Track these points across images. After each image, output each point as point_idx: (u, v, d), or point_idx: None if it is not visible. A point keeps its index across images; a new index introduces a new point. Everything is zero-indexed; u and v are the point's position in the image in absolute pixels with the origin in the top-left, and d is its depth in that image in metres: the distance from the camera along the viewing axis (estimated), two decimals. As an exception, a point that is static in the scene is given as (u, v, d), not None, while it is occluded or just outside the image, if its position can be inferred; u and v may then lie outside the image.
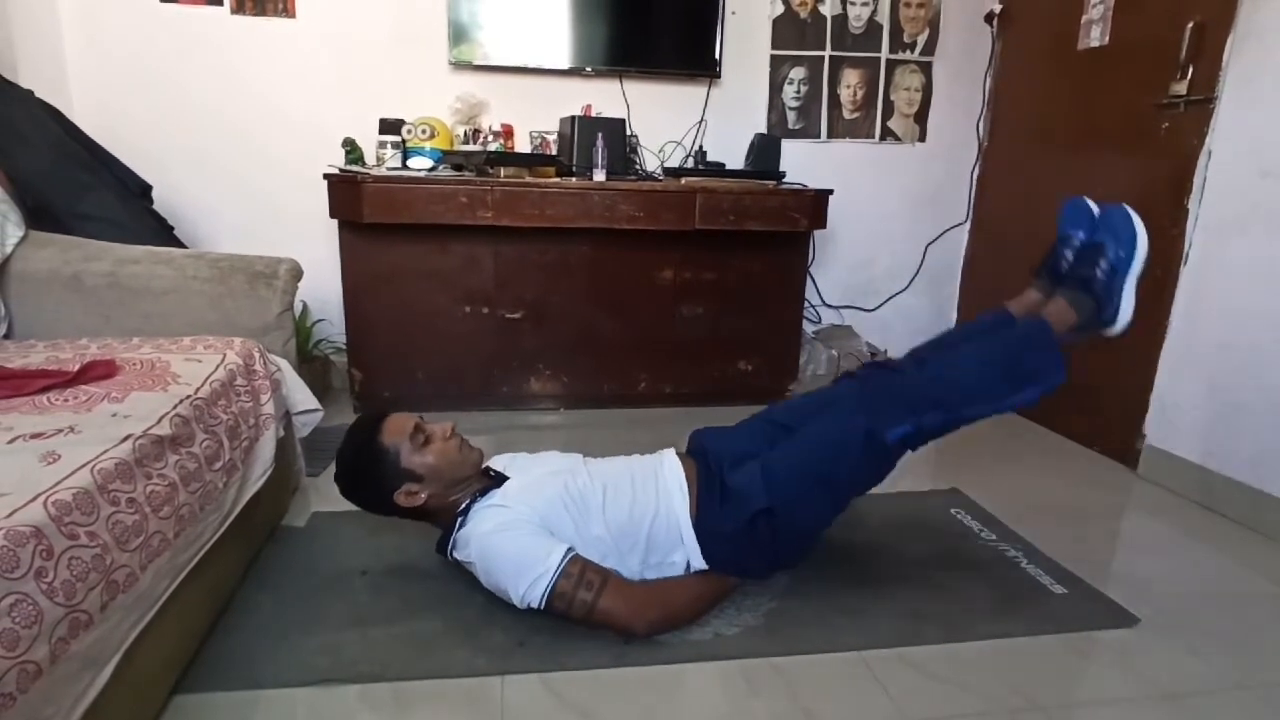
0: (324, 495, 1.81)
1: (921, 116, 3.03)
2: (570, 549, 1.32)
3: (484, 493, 1.44)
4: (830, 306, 3.12)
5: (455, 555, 1.43)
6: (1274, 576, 1.69)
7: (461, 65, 2.66)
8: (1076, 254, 1.62)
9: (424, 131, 2.55)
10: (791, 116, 2.95)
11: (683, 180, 2.51)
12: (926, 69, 2.99)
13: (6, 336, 1.72)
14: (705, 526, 1.41)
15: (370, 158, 2.56)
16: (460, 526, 1.41)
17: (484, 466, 1.56)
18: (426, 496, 1.43)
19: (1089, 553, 1.75)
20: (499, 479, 1.48)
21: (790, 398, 1.70)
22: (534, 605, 1.30)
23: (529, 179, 2.37)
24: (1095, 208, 1.64)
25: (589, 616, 1.31)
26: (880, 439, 1.40)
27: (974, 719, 1.20)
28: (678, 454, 1.55)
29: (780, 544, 1.44)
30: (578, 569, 1.30)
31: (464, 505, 1.43)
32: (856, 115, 2.98)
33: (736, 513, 1.39)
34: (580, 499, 1.41)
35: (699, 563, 1.42)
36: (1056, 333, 1.52)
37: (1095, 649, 1.39)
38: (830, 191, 2.60)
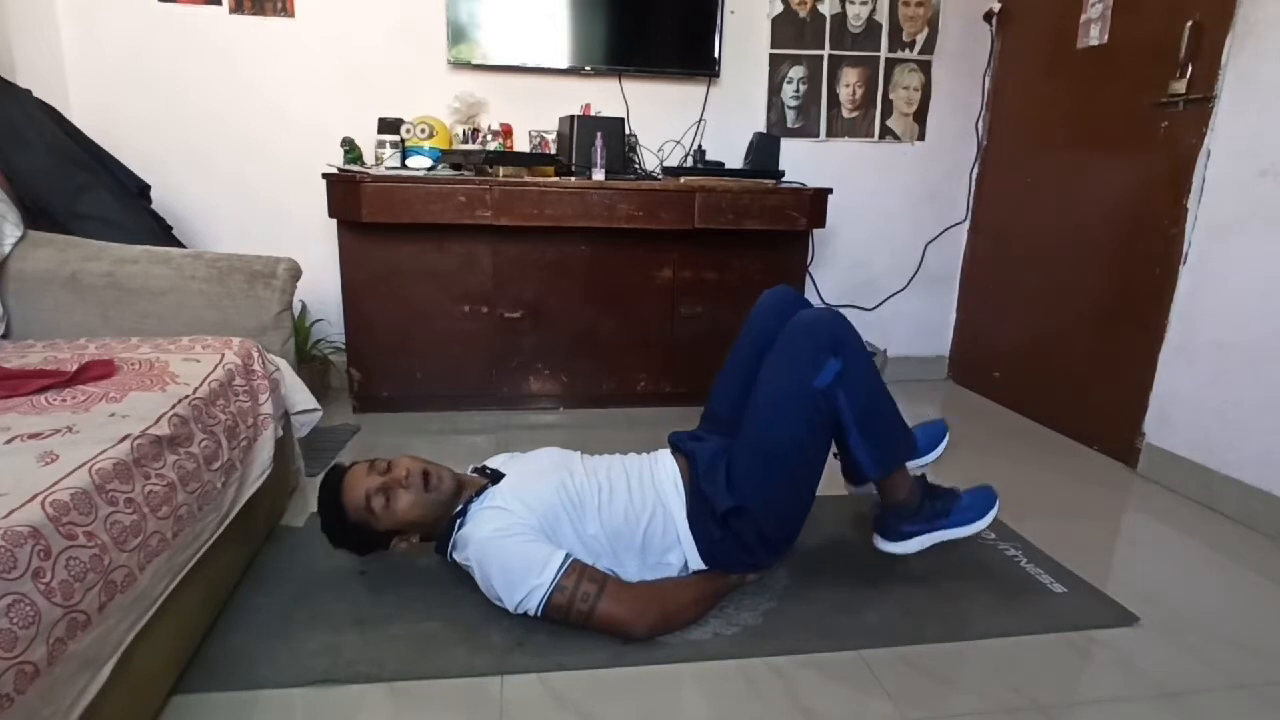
0: (323, 495, 1.81)
1: (921, 115, 3.03)
2: (567, 556, 1.32)
3: (481, 492, 1.44)
4: (830, 306, 3.12)
5: (454, 556, 1.42)
6: (1274, 575, 1.69)
7: (460, 64, 2.65)
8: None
9: (423, 131, 2.55)
10: (790, 115, 2.95)
11: (682, 179, 2.51)
12: (926, 68, 2.98)
13: (4, 336, 1.72)
14: (695, 528, 1.42)
15: (369, 157, 2.56)
16: (459, 527, 1.40)
17: (481, 465, 1.56)
18: (420, 537, 1.45)
19: (1088, 552, 1.75)
20: (495, 477, 1.48)
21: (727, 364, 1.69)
22: (530, 613, 1.30)
23: (528, 178, 2.37)
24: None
25: (587, 624, 1.31)
26: (812, 389, 1.36)
27: (974, 718, 1.20)
28: (673, 454, 1.55)
29: (768, 532, 1.42)
30: (573, 579, 1.30)
31: (460, 507, 1.43)
32: (855, 114, 2.98)
33: (713, 515, 1.40)
34: (577, 499, 1.41)
35: (696, 562, 1.42)
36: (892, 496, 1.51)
37: (1095, 648, 1.39)
38: (829, 190, 2.60)
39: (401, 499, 1.38)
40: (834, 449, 1.48)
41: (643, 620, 1.32)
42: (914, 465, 1.58)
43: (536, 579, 1.28)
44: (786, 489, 1.43)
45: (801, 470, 1.43)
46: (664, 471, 1.48)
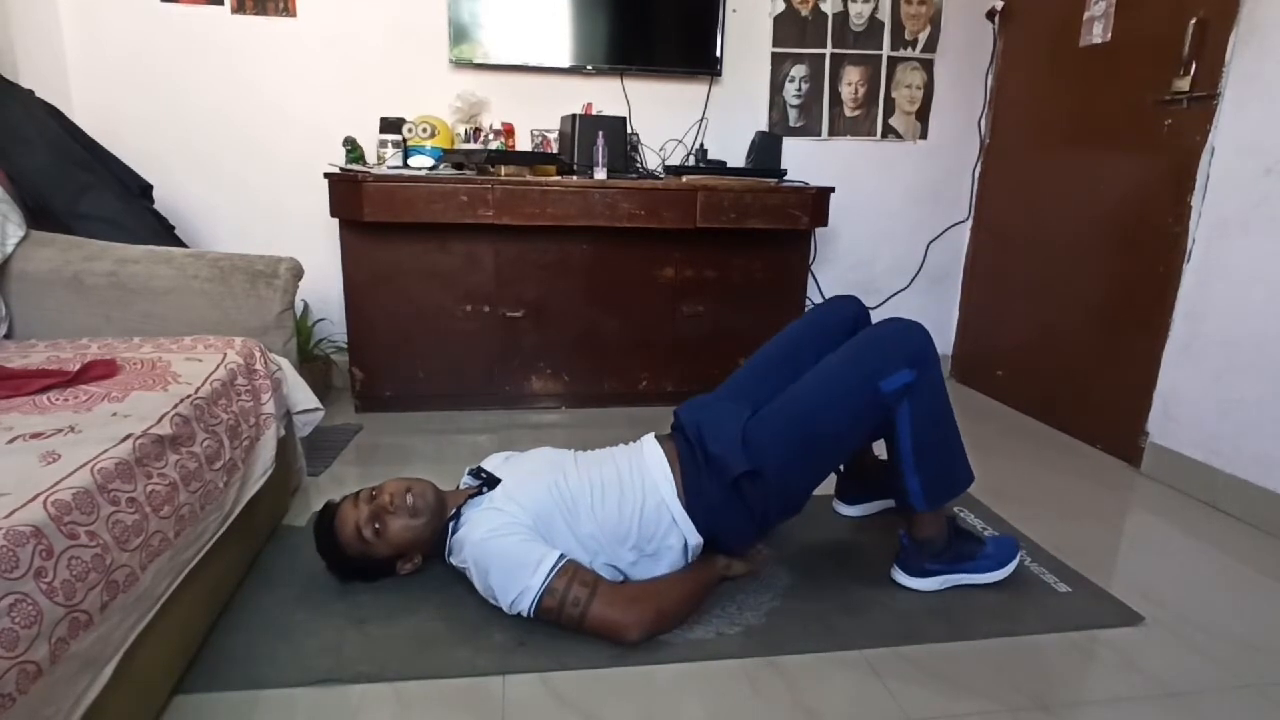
0: (324, 495, 1.81)
1: (923, 114, 3.02)
2: (561, 557, 1.31)
3: (477, 495, 1.44)
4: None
5: (452, 560, 1.42)
6: (1278, 574, 1.69)
7: (462, 64, 2.65)
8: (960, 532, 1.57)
9: (425, 130, 2.55)
10: (793, 114, 2.94)
11: (684, 178, 2.50)
12: (928, 66, 2.98)
13: (7, 336, 1.72)
14: (693, 501, 1.40)
15: (371, 157, 2.56)
16: (454, 531, 1.41)
17: (477, 467, 1.56)
18: (423, 558, 1.47)
19: (1093, 551, 1.74)
20: (491, 481, 1.48)
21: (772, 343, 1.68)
22: (524, 614, 1.30)
23: (530, 177, 2.37)
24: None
25: (579, 628, 1.30)
26: (876, 387, 1.36)
27: (977, 718, 1.20)
28: (657, 437, 1.53)
29: (771, 503, 1.41)
30: (564, 581, 1.29)
31: (455, 511, 1.43)
32: (858, 113, 2.98)
33: (720, 479, 1.38)
34: (570, 499, 1.40)
35: (695, 538, 1.41)
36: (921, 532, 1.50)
37: (1099, 647, 1.39)
38: (831, 189, 2.60)
39: (392, 524, 1.39)
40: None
41: (636, 624, 1.30)
42: (977, 580, 1.54)
43: (529, 579, 1.28)
44: (808, 469, 1.42)
45: (828, 457, 1.44)
46: (651, 459, 1.46)
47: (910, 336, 1.41)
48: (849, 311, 1.61)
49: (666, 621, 1.35)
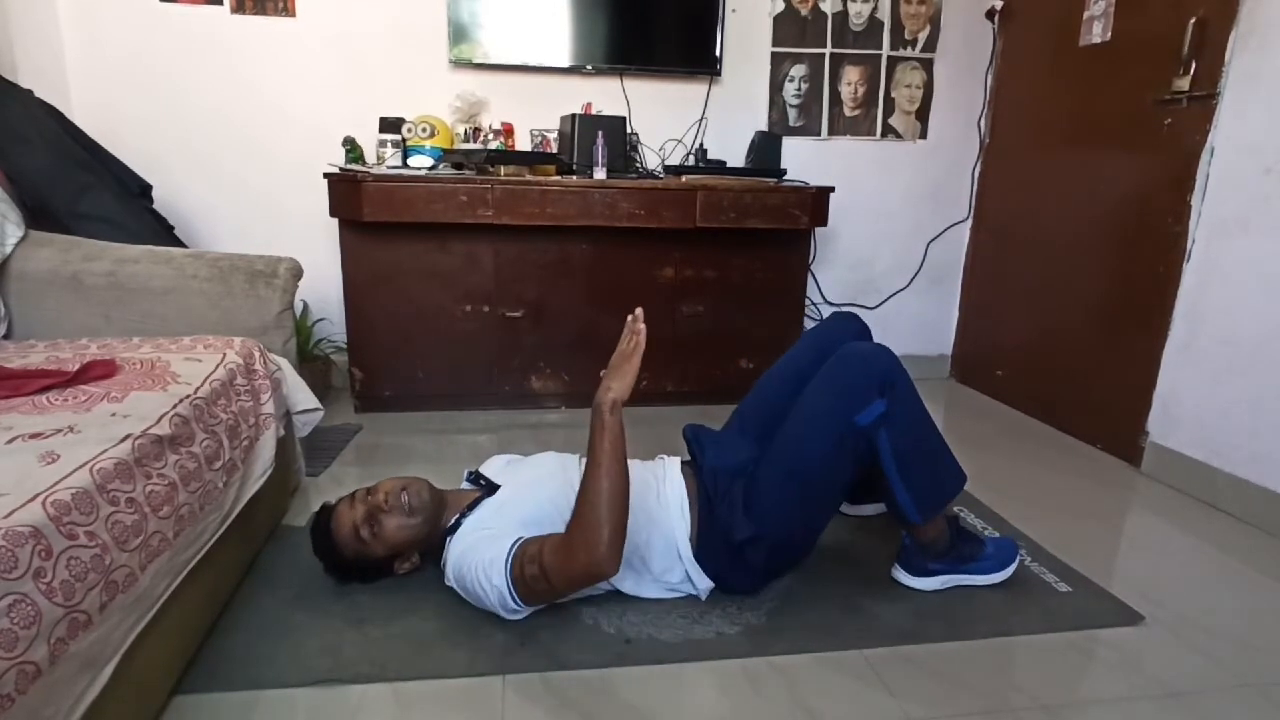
0: (324, 495, 1.81)
1: (923, 114, 3.02)
2: (515, 542, 1.27)
3: (473, 507, 1.42)
4: (831, 304, 3.11)
5: (447, 584, 1.41)
6: (1278, 574, 1.69)
7: (462, 64, 2.65)
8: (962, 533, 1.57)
9: (424, 130, 2.54)
10: (792, 114, 2.94)
11: (683, 178, 2.50)
12: (928, 66, 2.98)
13: (6, 336, 1.72)
14: (702, 552, 1.42)
15: (370, 156, 2.56)
16: (448, 543, 1.39)
17: (475, 471, 1.56)
18: (420, 557, 1.46)
19: (1093, 551, 1.74)
20: (491, 487, 1.47)
21: (765, 377, 1.67)
22: (517, 611, 1.30)
23: (529, 177, 2.37)
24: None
25: (553, 588, 1.24)
26: (852, 423, 1.35)
27: (977, 717, 1.19)
28: (682, 465, 1.52)
29: (778, 558, 1.45)
30: (519, 562, 1.25)
31: (452, 523, 1.41)
32: (857, 113, 2.98)
33: (726, 543, 1.39)
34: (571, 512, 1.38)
35: (703, 581, 1.43)
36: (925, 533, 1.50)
37: (1099, 647, 1.39)
38: (831, 189, 2.60)
39: (387, 523, 1.38)
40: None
41: (597, 555, 1.19)
42: (978, 581, 1.54)
43: (498, 575, 1.26)
44: (803, 513, 1.43)
45: (822, 498, 1.43)
46: (672, 492, 1.45)
47: (874, 365, 1.38)
48: (851, 332, 1.61)
49: (621, 524, 1.21)
